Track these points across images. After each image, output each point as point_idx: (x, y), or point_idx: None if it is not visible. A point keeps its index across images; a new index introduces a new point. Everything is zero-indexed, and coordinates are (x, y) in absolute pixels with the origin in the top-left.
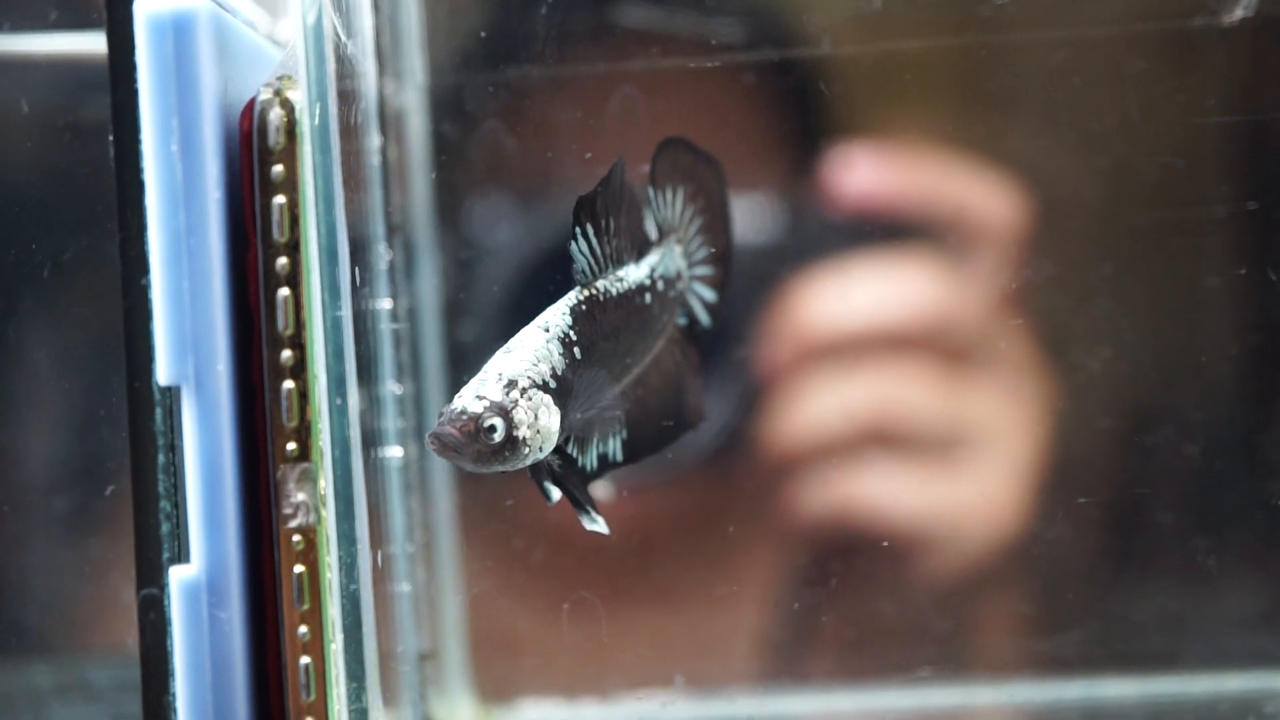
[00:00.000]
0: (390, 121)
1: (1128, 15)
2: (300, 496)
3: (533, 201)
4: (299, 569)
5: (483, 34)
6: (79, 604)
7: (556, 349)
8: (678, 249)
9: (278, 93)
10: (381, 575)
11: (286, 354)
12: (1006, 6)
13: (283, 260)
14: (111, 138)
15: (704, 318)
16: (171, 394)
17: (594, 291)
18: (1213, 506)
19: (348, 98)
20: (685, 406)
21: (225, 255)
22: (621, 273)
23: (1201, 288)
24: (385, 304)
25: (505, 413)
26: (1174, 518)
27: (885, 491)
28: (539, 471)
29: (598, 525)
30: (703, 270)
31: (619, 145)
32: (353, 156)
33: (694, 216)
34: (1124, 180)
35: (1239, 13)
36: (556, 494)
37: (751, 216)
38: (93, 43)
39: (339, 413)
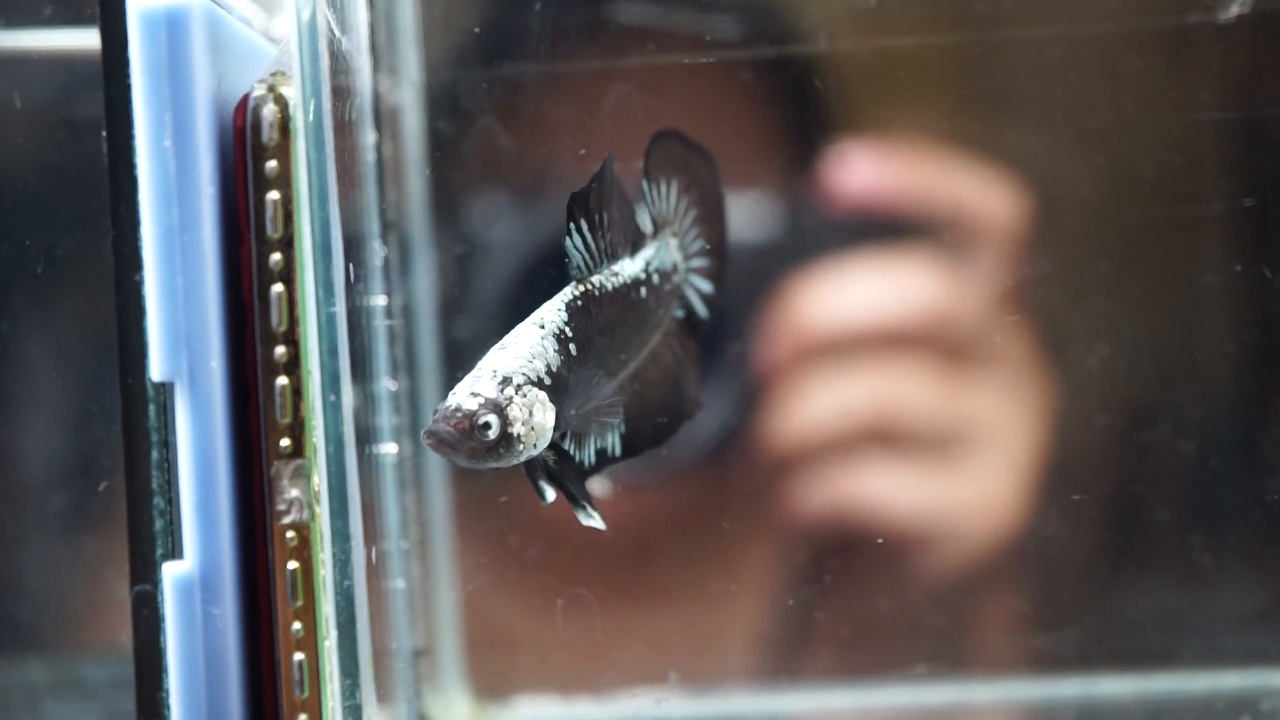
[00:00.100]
0: (385, 118)
1: (1124, 12)
2: (294, 493)
3: (528, 198)
4: (293, 565)
5: (478, 30)
6: (73, 600)
7: (552, 345)
8: (673, 241)
9: (272, 89)
10: (376, 571)
11: (280, 350)
12: (1002, 3)
13: (276, 256)
14: (105, 133)
15: (701, 309)
16: (165, 390)
17: (589, 287)
18: (1210, 504)
19: (342, 94)
20: (683, 398)
21: (219, 251)
22: (616, 267)
23: (1198, 285)
24: (380, 300)
25: (500, 410)
26: (1171, 515)
27: (883, 489)
28: (534, 470)
29: (594, 521)
30: (698, 262)
31: (614, 142)
32: (347, 153)
33: (689, 208)
34: (1121, 177)
35: (1235, 9)
36: (552, 494)
37: (748, 213)
38: (87, 38)
39: (333, 409)
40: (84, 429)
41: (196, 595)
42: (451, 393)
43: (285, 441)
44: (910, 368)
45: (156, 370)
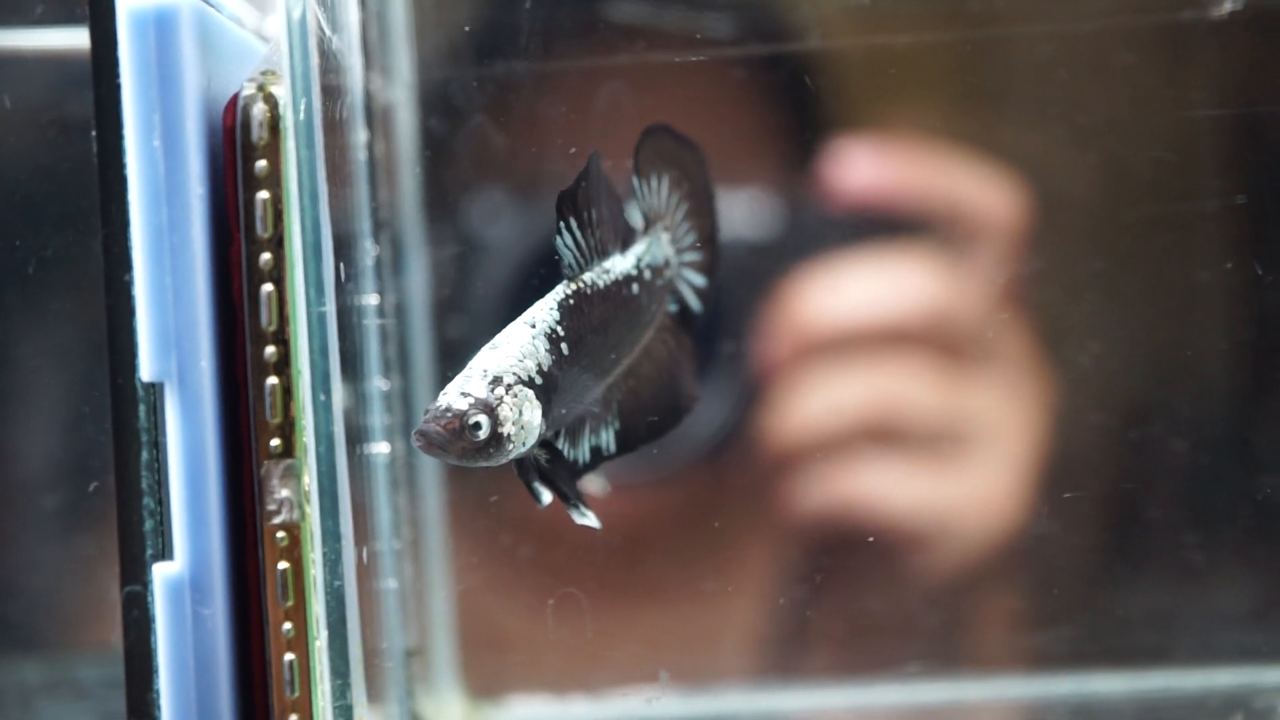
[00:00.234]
0: (377, 117)
1: (1117, 9)
2: (284, 493)
3: (521, 196)
4: (283, 565)
5: (469, 29)
6: (66, 600)
7: (543, 345)
8: (665, 236)
9: (261, 88)
10: (367, 571)
11: (270, 350)
12: (995, 0)
13: (266, 256)
14: (94, 133)
15: (694, 303)
16: (155, 390)
17: (581, 285)
18: (1203, 502)
19: (333, 93)
20: (679, 392)
21: (208, 251)
22: (608, 264)
23: (1192, 282)
24: (372, 300)
25: (490, 410)
26: (1164, 513)
27: (880, 487)
28: (527, 471)
29: (588, 519)
30: (691, 256)
31: (607, 140)
32: (338, 152)
33: (680, 202)
34: (1115, 175)
35: (1228, 6)
36: (547, 496)
37: (745, 212)
38: (77, 38)
39: (323, 409)
40: (74, 429)
41: (186, 596)
42: (442, 393)
43: (276, 441)
44: (907, 365)
45: (146, 370)
